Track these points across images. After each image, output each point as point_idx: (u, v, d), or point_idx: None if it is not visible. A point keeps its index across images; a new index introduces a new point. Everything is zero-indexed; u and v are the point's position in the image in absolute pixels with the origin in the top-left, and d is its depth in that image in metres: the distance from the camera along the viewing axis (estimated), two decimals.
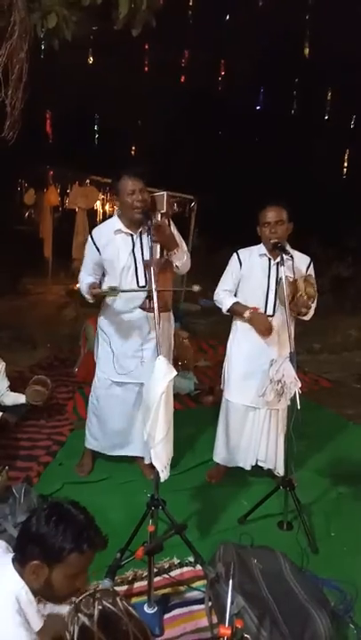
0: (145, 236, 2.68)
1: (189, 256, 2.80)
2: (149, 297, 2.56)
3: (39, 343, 5.80)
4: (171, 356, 2.96)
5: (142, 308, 2.69)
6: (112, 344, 2.85)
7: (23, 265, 8.58)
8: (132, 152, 8.78)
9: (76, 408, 4.11)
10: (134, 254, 2.68)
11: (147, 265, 2.57)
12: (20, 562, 1.40)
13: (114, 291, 2.59)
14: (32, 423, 3.75)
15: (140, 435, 2.89)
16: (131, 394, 2.91)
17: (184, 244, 2.75)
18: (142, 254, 2.69)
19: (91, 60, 4.20)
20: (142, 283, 2.69)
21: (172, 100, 7.75)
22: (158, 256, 2.61)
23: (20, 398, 3.67)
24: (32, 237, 8.61)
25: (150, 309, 2.57)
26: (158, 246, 2.61)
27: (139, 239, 2.70)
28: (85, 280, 2.78)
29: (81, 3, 3.27)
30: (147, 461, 2.94)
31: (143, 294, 2.68)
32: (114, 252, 2.70)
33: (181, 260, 2.71)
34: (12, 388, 3.74)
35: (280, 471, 2.95)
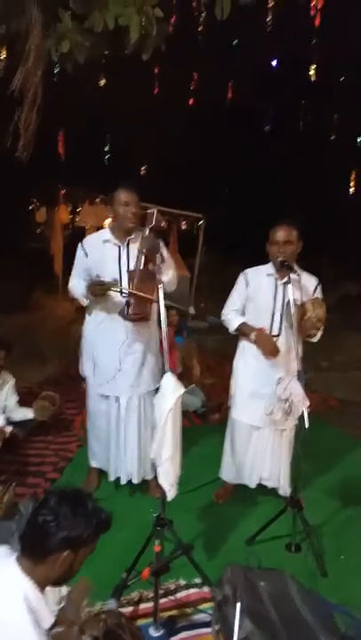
0: (132, 248, 2.75)
1: (175, 276, 2.80)
2: (128, 304, 2.64)
3: (49, 358, 5.84)
4: (156, 365, 2.95)
5: (120, 314, 2.71)
6: (94, 355, 2.89)
7: (34, 281, 8.68)
8: (142, 171, 8.92)
9: (84, 424, 4.10)
10: (120, 263, 2.76)
11: (131, 274, 2.66)
12: (37, 556, 1.39)
13: (115, 284, 2.63)
14: (40, 439, 3.75)
15: (127, 454, 2.92)
16: (112, 409, 2.92)
17: (171, 262, 2.77)
18: (128, 264, 2.76)
19: (102, 82, 4.32)
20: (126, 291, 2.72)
21: (182, 121, 7.90)
22: (142, 266, 2.66)
23: (28, 414, 3.69)
24: (43, 254, 8.74)
25: (128, 316, 2.65)
26: (143, 257, 2.66)
27: (125, 250, 2.78)
28: (79, 284, 2.82)
29: (93, 28, 3.37)
30: (133, 480, 2.96)
31: (123, 301, 2.70)
32: (100, 259, 2.78)
33: (167, 275, 2.72)
34: (21, 404, 3.77)
35: (284, 491, 2.92)
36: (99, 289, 2.62)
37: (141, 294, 2.52)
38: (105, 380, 2.85)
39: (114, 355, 2.79)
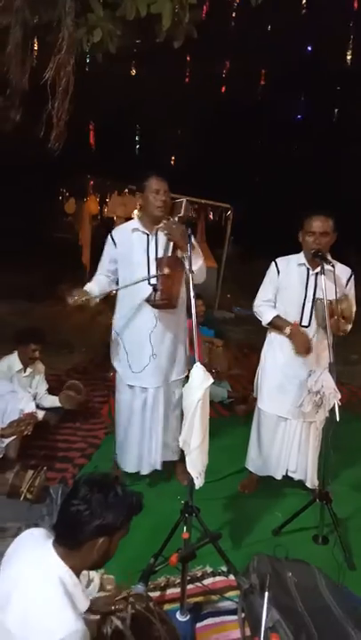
0: (160, 236, 2.76)
1: (204, 265, 2.79)
2: (155, 289, 2.64)
3: (75, 348, 5.92)
4: (185, 354, 2.97)
5: (147, 300, 2.71)
6: (125, 345, 2.89)
7: (62, 271, 8.78)
8: (172, 161, 8.90)
9: (111, 412, 4.16)
10: (148, 252, 2.76)
11: (159, 260, 2.68)
12: (72, 545, 1.41)
13: (91, 297, 2.64)
14: (68, 425, 3.83)
15: (152, 444, 2.92)
16: (137, 400, 2.91)
17: (200, 252, 2.77)
18: (156, 252, 2.76)
19: (133, 71, 4.30)
20: (153, 280, 2.71)
21: (212, 110, 7.81)
22: (170, 253, 2.69)
23: (57, 401, 3.77)
24: (71, 245, 8.83)
25: (156, 302, 2.65)
26: (172, 244, 2.70)
27: (154, 238, 2.79)
28: (91, 283, 2.82)
29: (125, 17, 3.35)
30: (157, 467, 2.95)
31: (150, 289, 2.70)
32: (128, 248, 2.79)
33: (197, 264, 2.69)
34: (50, 391, 3.85)
35: (312, 483, 2.90)
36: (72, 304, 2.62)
37: (166, 273, 2.56)
38: (137, 369, 2.84)
39: (144, 343, 2.79)
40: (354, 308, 2.70)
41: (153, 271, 2.71)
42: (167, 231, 2.64)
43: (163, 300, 2.64)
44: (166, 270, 2.59)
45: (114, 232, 2.90)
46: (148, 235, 2.78)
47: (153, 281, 2.68)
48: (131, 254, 2.78)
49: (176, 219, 2.66)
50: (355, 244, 8.36)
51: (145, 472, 2.97)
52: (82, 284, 2.84)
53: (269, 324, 2.87)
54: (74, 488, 1.49)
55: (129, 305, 2.82)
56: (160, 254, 2.74)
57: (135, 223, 2.84)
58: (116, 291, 2.85)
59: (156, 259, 2.72)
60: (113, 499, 1.45)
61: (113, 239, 2.84)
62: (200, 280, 2.76)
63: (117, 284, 2.87)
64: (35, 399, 3.63)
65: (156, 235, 2.78)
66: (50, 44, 3.33)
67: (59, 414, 3.75)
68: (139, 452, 2.95)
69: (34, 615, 1.30)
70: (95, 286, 2.77)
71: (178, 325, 2.89)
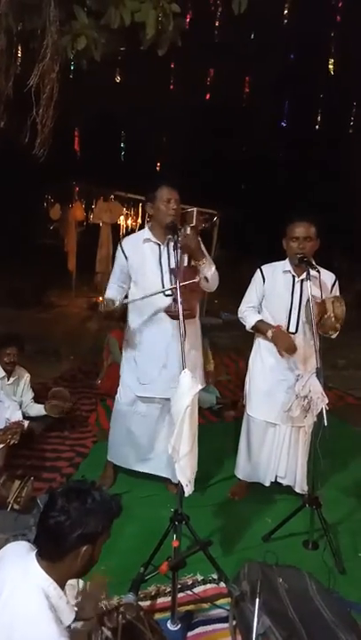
0: (172, 246, 2.71)
1: (216, 272, 2.78)
2: (175, 300, 2.59)
3: (63, 355, 5.87)
4: (201, 363, 2.95)
5: (167, 312, 2.67)
6: (136, 356, 2.85)
7: (48, 278, 8.73)
8: (157, 168, 8.94)
9: (99, 420, 4.13)
10: (161, 262, 2.74)
11: (173, 271, 2.63)
12: (55, 557, 1.39)
13: (117, 304, 2.62)
14: (56, 434, 3.78)
15: (162, 453, 2.88)
16: (155, 410, 2.89)
17: (211, 259, 2.76)
18: (168, 262, 2.73)
19: (118, 78, 4.30)
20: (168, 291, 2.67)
21: (197, 117, 7.88)
22: (185, 264, 2.65)
23: (43, 410, 3.72)
24: (57, 251, 8.79)
25: (175, 313, 2.60)
26: (186, 256, 2.66)
27: (166, 248, 2.76)
28: (108, 291, 2.81)
29: (109, 25, 3.36)
30: (175, 480, 2.92)
31: (169, 300, 2.66)
32: (141, 260, 2.76)
33: (210, 271, 2.70)
34: (36, 400, 3.80)
35: (301, 488, 2.91)
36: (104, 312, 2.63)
37: (186, 283, 2.47)
38: (151, 378, 2.79)
39: (159, 351, 2.74)
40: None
41: (167, 281, 2.68)
42: (185, 245, 2.57)
43: (184, 310, 2.57)
44: (189, 280, 2.52)
45: (124, 243, 2.85)
46: (159, 245, 2.75)
47: (168, 292, 2.64)
48: (143, 265, 2.74)
49: (188, 228, 2.63)
50: (341, 250, 8.47)
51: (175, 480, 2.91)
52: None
53: (253, 328, 2.88)
54: (50, 500, 1.45)
55: (144, 317, 2.78)
56: (172, 264, 2.69)
57: (146, 233, 2.80)
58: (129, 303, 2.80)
59: (171, 269, 2.69)
60: (92, 505, 1.43)
61: (123, 251, 2.80)
62: (214, 287, 2.76)
63: (126, 296, 2.83)
64: (20, 407, 3.59)
65: (168, 245, 2.74)
66: (34, 51, 3.32)
67: (45, 423, 3.70)
68: (157, 460, 2.95)
69: (17, 630, 1.28)
70: (117, 294, 2.77)
71: (195, 335, 2.87)
